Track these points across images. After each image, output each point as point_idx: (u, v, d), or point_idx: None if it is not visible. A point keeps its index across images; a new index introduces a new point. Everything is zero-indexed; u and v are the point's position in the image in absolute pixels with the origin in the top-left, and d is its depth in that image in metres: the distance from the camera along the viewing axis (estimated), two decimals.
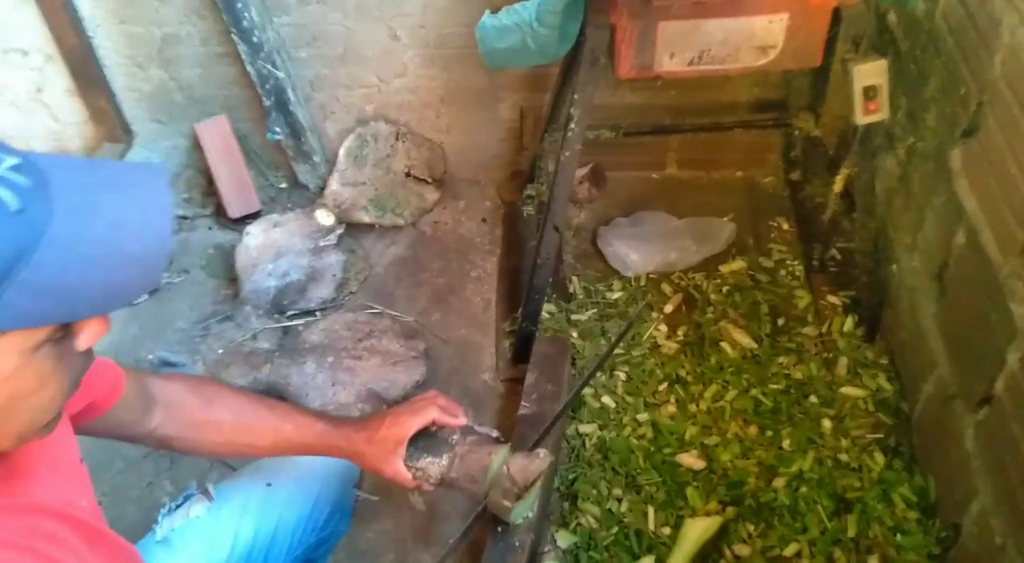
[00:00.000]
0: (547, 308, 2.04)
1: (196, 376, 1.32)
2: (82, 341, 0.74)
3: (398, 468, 1.33)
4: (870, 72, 1.62)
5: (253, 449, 1.29)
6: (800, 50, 1.60)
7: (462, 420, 1.35)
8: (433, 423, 1.32)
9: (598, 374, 1.90)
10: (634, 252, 2.09)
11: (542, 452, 1.34)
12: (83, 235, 0.67)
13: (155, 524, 1.35)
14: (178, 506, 1.38)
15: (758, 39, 1.59)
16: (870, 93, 1.64)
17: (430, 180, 2.36)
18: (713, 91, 2.21)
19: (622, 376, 1.89)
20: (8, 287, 0.63)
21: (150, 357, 1.95)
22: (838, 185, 1.84)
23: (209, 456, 1.28)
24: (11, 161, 0.65)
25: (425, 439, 1.30)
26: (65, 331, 0.72)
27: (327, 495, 1.47)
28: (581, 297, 2.09)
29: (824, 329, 1.92)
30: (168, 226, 0.73)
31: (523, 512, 1.42)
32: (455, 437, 1.32)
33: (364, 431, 1.29)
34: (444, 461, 1.30)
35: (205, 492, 1.39)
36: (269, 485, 1.40)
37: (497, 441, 1.36)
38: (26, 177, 0.66)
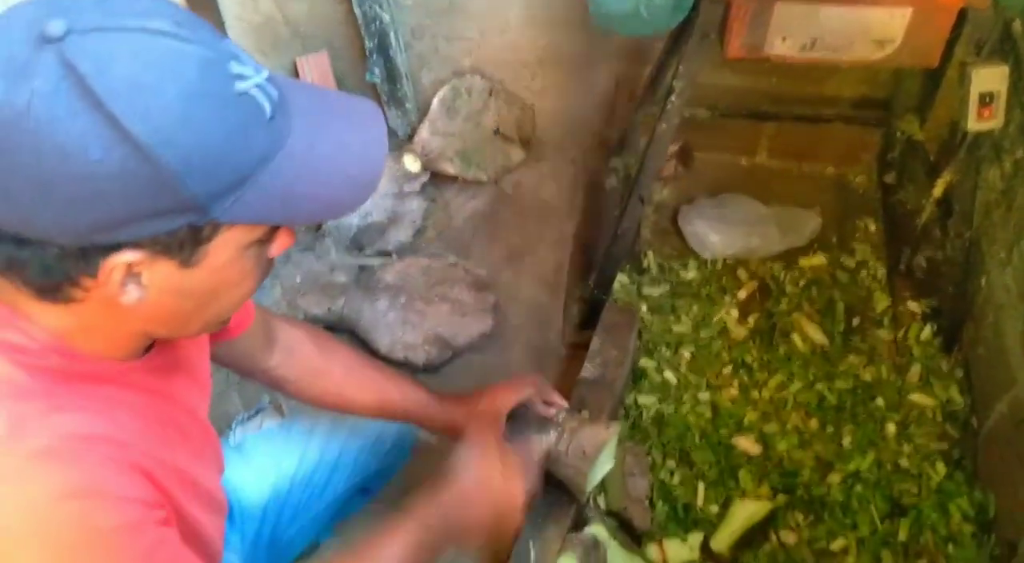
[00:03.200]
0: (619, 279, 2.05)
1: (315, 327, 1.35)
2: (274, 249, 0.80)
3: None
4: (989, 77, 1.58)
5: (356, 406, 1.30)
6: (919, 48, 1.56)
7: (563, 402, 1.34)
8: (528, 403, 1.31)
9: (663, 349, 1.90)
10: (715, 233, 2.08)
11: (612, 423, 1.34)
12: (314, 151, 0.74)
13: (228, 430, 1.41)
14: (250, 417, 1.45)
15: (876, 32, 1.55)
16: (986, 99, 1.59)
17: (517, 140, 2.37)
18: (817, 83, 2.16)
19: (687, 355, 1.89)
20: (249, 187, 0.69)
21: None
22: (938, 190, 1.79)
23: (315, 405, 1.31)
24: (265, 73, 0.71)
25: (525, 418, 1.29)
26: (270, 236, 0.78)
27: (390, 429, 1.51)
28: (655, 273, 2.09)
29: (900, 335, 1.89)
30: (383, 154, 0.79)
31: (593, 481, 1.44)
32: (560, 415, 1.31)
33: (463, 406, 1.29)
34: (551, 436, 1.28)
35: (278, 407, 1.45)
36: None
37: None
38: (275, 90, 0.72)
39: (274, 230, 0.78)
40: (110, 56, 0.63)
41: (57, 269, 0.68)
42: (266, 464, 1.36)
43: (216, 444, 1.04)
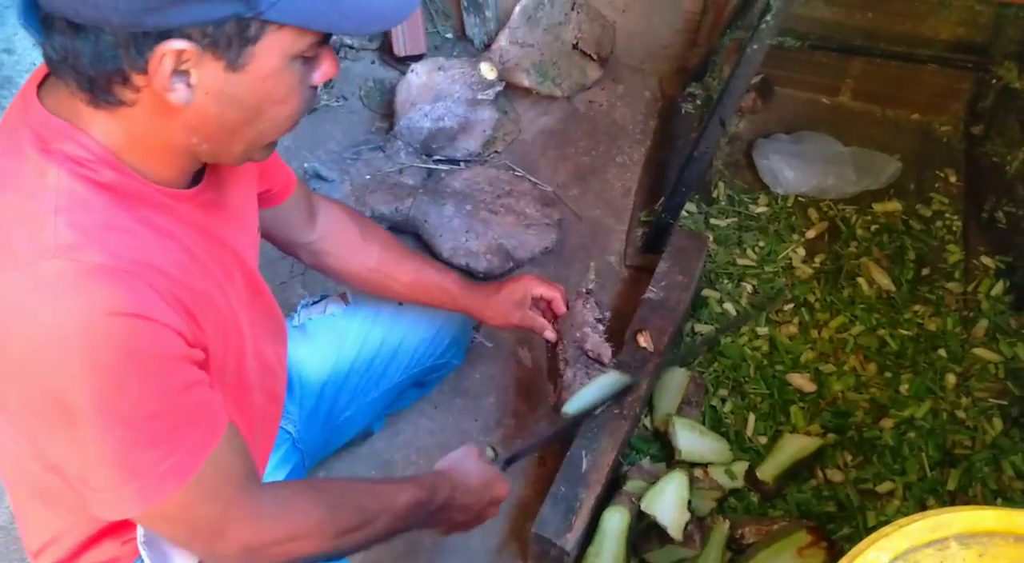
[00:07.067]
0: (687, 208, 2.01)
1: (350, 208, 1.39)
2: (318, 75, 0.81)
3: (525, 313, 1.44)
4: None
5: (394, 283, 1.36)
6: None
7: (561, 308, 1.46)
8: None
9: (725, 281, 1.88)
10: (790, 169, 2.03)
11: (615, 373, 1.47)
12: None
13: (293, 312, 1.43)
14: (315, 302, 1.47)
15: None
16: None
17: (595, 57, 2.32)
18: (913, 21, 2.07)
19: (748, 288, 1.87)
20: None
21: (305, 166, 2.02)
22: None
23: (353, 283, 1.35)
24: None
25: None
26: (314, 55, 0.78)
27: (449, 327, 1.53)
28: (724, 204, 2.05)
29: (970, 288, 1.84)
30: None
31: (577, 405, 1.45)
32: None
33: (486, 288, 1.44)
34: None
35: (342, 296, 1.47)
36: (400, 304, 1.46)
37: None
38: None
39: (318, 49, 0.78)
40: None
41: (110, 57, 0.70)
42: (328, 345, 1.39)
43: (272, 306, 1.05)
